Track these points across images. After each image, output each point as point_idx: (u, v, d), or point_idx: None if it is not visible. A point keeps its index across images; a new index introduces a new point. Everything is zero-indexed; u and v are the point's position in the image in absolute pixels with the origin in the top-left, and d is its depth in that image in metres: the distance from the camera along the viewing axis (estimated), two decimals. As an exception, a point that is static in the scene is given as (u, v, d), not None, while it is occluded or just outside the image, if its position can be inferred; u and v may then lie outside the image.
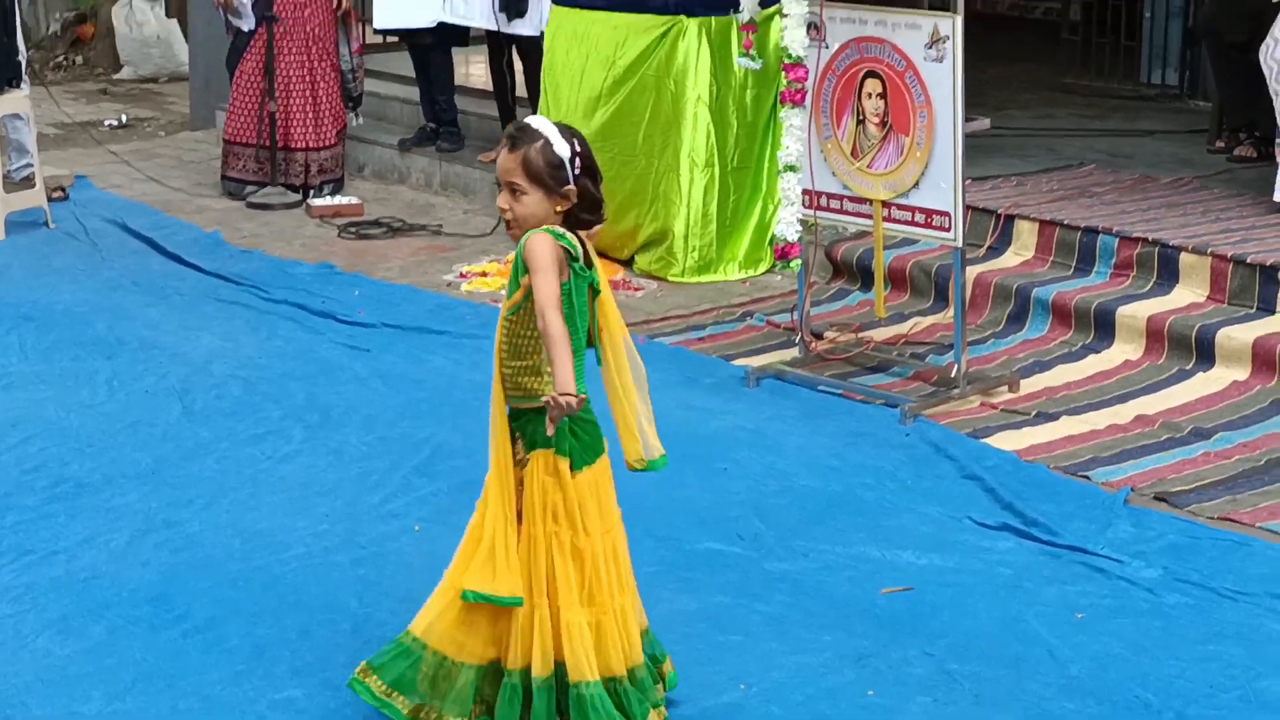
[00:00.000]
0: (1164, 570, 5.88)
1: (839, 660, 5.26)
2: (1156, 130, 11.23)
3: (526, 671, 4.67)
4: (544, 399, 4.53)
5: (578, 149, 4.62)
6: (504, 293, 4.71)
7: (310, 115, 11.09)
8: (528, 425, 4.68)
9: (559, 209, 4.60)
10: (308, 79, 11.04)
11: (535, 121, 4.67)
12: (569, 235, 4.59)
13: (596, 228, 4.72)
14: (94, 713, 4.90)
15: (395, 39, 11.85)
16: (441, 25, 10.91)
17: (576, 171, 4.60)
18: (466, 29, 10.97)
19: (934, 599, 5.69)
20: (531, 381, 4.65)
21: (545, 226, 4.58)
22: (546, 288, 4.50)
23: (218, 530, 6.14)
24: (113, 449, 6.90)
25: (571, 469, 4.68)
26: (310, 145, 11.12)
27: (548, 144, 4.58)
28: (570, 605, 4.66)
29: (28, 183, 10.60)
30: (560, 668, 4.67)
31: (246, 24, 11.05)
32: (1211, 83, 10.92)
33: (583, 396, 4.55)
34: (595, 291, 4.68)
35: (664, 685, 4.93)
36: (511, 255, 4.67)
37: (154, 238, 10.08)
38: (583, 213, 4.64)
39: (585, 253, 4.65)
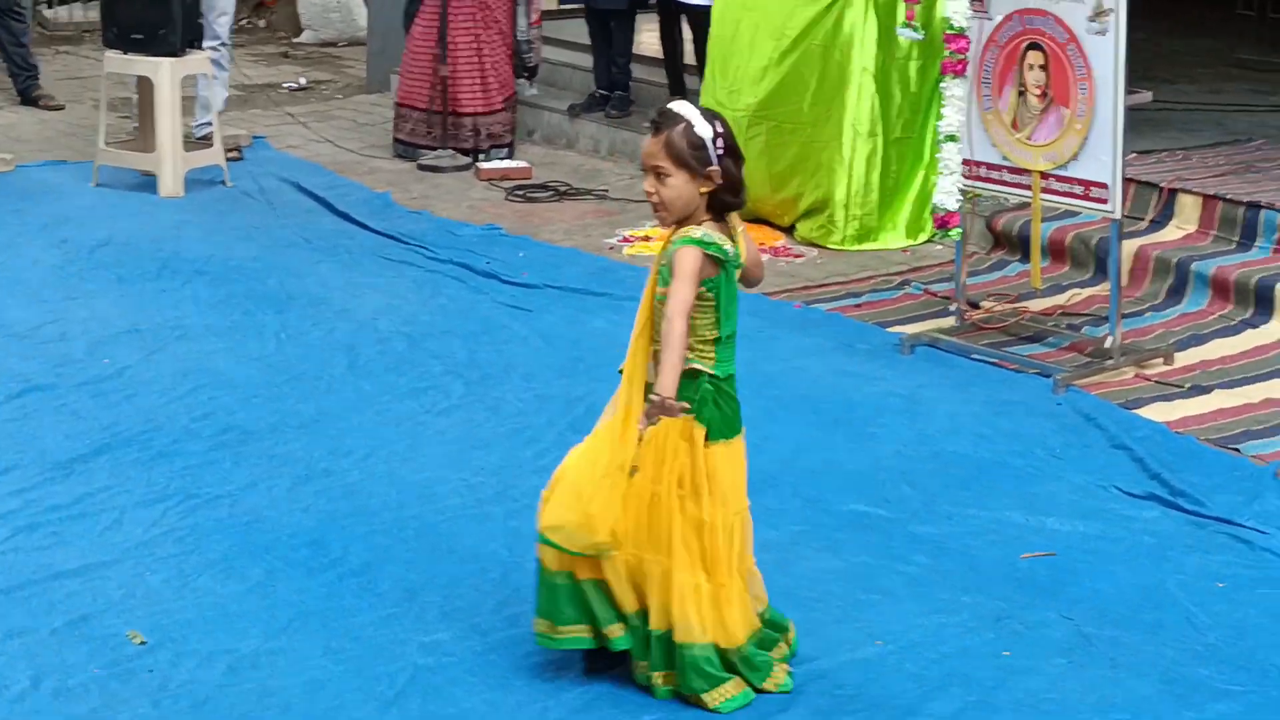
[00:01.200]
0: (1310, 544, 5.90)
1: (977, 621, 5.32)
2: (1330, 107, 11.12)
3: (645, 616, 4.80)
4: (652, 397, 4.65)
5: (719, 130, 4.68)
6: (656, 269, 4.80)
7: (477, 80, 11.26)
8: None
9: (703, 190, 4.68)
10: (474, 45, 11.21)
11: (677, 105, 4.75)
12: (718, 241, 4.69)
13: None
14: (251, 649, 5.07)
15: (570, 5, 11.99)
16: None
17: (719, 152, 4.66)
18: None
19: (1075, 564, 5.73)
20: (700, 347, 4.77)
21: (689, 235, 4.67)
22: (680, 295, 4.63)
23: (375, 480, 6.31)
24: (278, 399, 7.09)
25: (707, 439, 4.78)
26: (479, 111, 11.29)
27: (690, 126, 4.65)
28: (683, 567, 4.76)
29: (206, 141, 10.87)
30: (669, 628, 4.79)
31: (425, -7, 11.27)
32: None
33: (685, 405, 4.67)
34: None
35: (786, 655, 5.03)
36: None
37: (326, 197, 10.30)
38: (726, 194, 4.71)
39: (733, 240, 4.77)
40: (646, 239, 9.48)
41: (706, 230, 4.70)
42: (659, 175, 4.67)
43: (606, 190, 10.60)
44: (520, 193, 10.56)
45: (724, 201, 4.74)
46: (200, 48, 10.68)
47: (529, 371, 7.47)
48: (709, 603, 4.79)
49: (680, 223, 4.74)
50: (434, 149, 11.26)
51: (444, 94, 11.17)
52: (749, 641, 4.88)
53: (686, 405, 4.69)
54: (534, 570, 4.92)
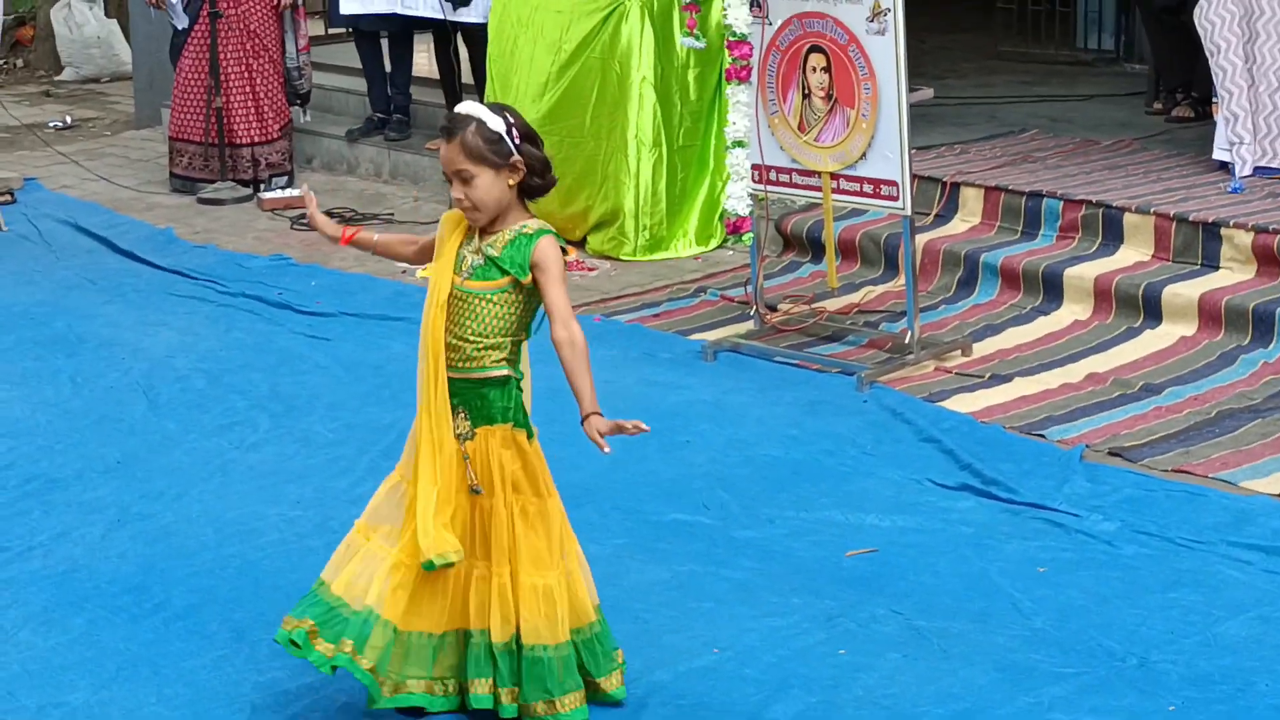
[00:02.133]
0: (1121, 523, 6.02)
1: (809, 622, 5.37)
2: (1095, 94, 11.38)
3: (486, 633, 4.78)
4: (589, 424, 4.65)
5: (511, 120, 4.67)
6: (480, 253, 4.73)
7: (252, 110, 11.16)
8: (474, 398, 4.75)
9: (512, 182, 4.66)
10: (246, 75, 11.11)
11: (463, 107, 4.72)
12: (555, 232, 4.72)
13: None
14: (81, 701, 4.97)
15: (341, 31, 11.90)
16: (398, 14, 10.98)
17: (516, 141, 4.65)
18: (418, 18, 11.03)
19: (899, 559, 5.81)
20: (491, 355, 4.72)
21: (540, 228, 4.68)
22: (566, 298, 4.68)
23: (191, 520, 6.22)
24: (81, 444, 6.96)
25: (528, 438, 4.79)
26: (255, 140, 11.19)
27: (481, 123, 4.63)
28: (529, 570, 4.75)
29: None
30: (517, 633, 4.77)
31: (180, 22, 11.12)
32: (1147, 46, 11.06)
33: (639, 424, 4.72)
34: None
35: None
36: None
37: (107, 236, 10.14)
38: (534, 178, 4.70)
39: None
40: (438, 260, 9.43)
41: (542, 223, 4.71)
42: (464, 179, 4.65)
43: (392, 214, 10.54)
44: (304, 221, 10.45)
45: (534, 186, 4.72)
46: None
47: (334, 401, 7.41)
48: (560, 594, 4.78)
49: (495, 220, 4.70)
50: (212, 181, 11.13)
51: (220, 126, 11.04)
52: (599, 620, 4.87)
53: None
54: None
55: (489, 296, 4.71)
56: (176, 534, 6.10)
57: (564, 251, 4.75)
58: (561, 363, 4.67)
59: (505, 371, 4.73)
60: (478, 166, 4.63)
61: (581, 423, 4.67)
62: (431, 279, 4.78)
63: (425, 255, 4.94)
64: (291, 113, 11.50)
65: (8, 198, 10.81)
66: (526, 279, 4.68)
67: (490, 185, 4.64)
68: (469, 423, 4.76)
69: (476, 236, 4.74)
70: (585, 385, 4.68)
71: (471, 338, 4.73)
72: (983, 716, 4.84)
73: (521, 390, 4.80)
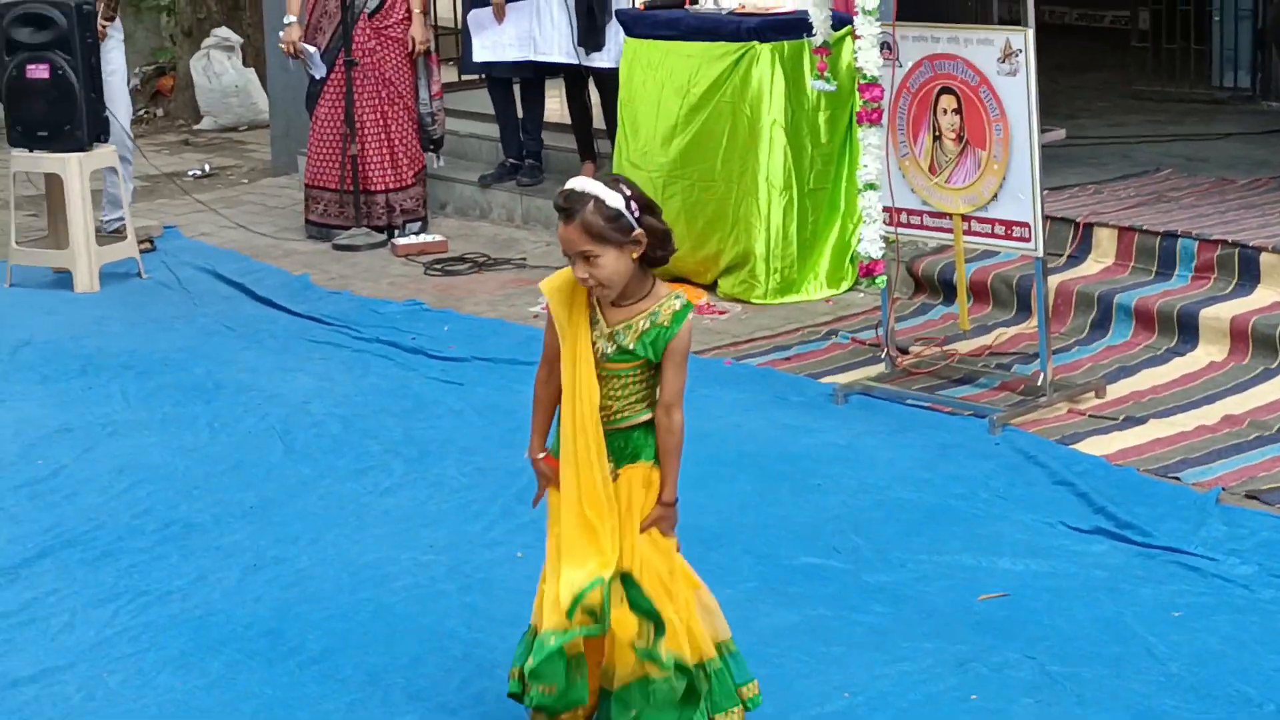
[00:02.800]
0: (1259, 566, 5.95)
1: (941, 666, 5.34)
2: (1231, 132, 11.29)
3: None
4: (665, 511, 4.75)
5: (628, 192, 4.59)
6: (612, 340, 4.70)
7: (386, 157, 11.28)
8: (619, 441, 4.74)
9: (635, 255, 4.60)
10: (381, 122, 11.23)
11: (578, 184, 4.61)
12: (689, 305, 4.70)
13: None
14: (218, 744, 5.05)
15: (474, 77, 12.01)
16: (531, 60, 11.08)
17: (636, 214, 4.57)
18: (551, 63, 11.12)
19: (1032, 603, 5.77)
20: (637, 408, 4.72)
21: (678, 308, 4.66)
22: (681, 381, 4.68)
23: (325, 564, 6.28)
24: (218, 489, 7.05)
25: None
26: (390, 187, 11.31)
27: (599, 201, 4.54)
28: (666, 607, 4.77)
29: (118, 235, 10.83)
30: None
31: (318, 71, 11.25)
32: (1284, 83, 10.98)
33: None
34: None
35: None
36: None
37: (244, 283, 10.27)
38: (657, 250, 4.64)
39: None
40: (570, 305, 9.48)
41: (672, 293, 4.71)
42: (587, 259, 4.56)
43: (524, 259, 10.62)
44: (438, 267, 10.56)
45: (656, 257, 4.66)
46: (106, 141, 10.62)
47: (467, 445, 7.45)
48: (684, 630, 4.77)
49: (623, 294, 4.66)
50: (347, 228, 11.26)
51: (355, 173, 11.17)
52: (720, 657, 4.85)
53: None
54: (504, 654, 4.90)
55: (630, 374, 4.71)
56: (311, 578, 6.15)
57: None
58: (657, 443, 4.71)
59: (650, 415, 4.75)
60: (600, 246, 4.54)
61: (657, 502, 4.73)
62: (570, 363, 4.71)
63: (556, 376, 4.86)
64: (426, 158, 11.61)
65: (148, 245, 10.96)
66: (660, 360, 4.69)
67: (615, 262, 4.57)
68: (614, 463, 4.76)
69: (603, 318, 4.69)
70: (672, 472, 4.74)
71: (617, 403, 4.73)
72: (1117, 763, 4.80)
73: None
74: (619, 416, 4.73)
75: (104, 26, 10.87)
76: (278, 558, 6.34)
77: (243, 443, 7.60)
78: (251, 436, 7.67)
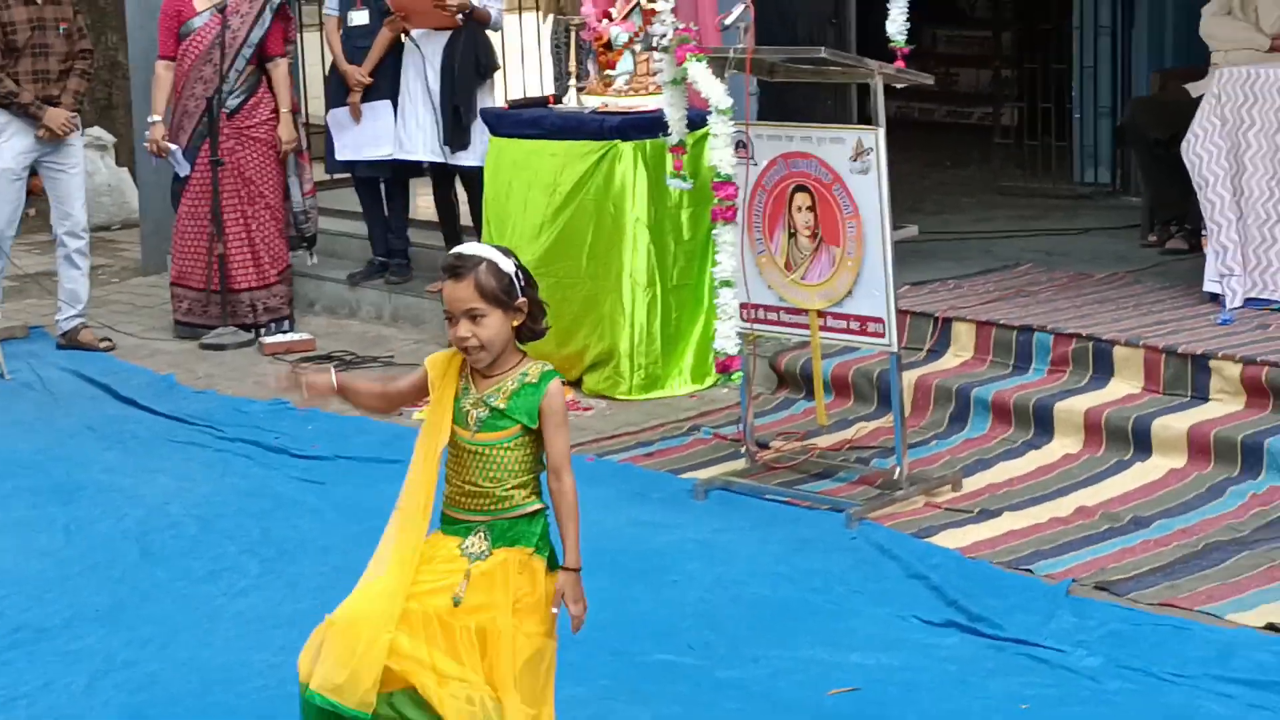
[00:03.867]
0: (1106, 658, 6.00)
1: (789, 763, 5.36)
2: (1092, 227, 11.45)
3: None
4: (565, 578, 4.77)
5: (516, 262, 4.74)
6: (483, 404, 4.74)
7: (249, 256, 11.27)
8: (503, 525, 4.76)
9: (515, 323, 4.72)
10: (241, 221, 11.23)
11: (469, 248, 4.75)
12: (556, 371, 4.79)
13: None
14: None
15: (343, 175, 12.03)
16: (395, 159, 11.13)
17: (522, 284, 4.72)
18: (416, 162, 11.16)
19: (881, 697, 5.80)
20: (520, 493, 4.75)
21: (549, 370, 4.76)
22: (566, 445, 4.77)
23: (176, 667, 6.22)
24: (71, 593, 6.97)
25: (548, 569, 4.81)
26: (253, 285, 11.29)
27: (492, 264, 4.67)
28: (521, 701, 4.74)
29: (72, 335, 11.03)
30: None
31: (181, 170, 11.28)
32: (1141, 179, 11.13)
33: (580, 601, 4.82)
34: None
35: None
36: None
37: (108, 383, 10.20)
38: (533, 323, 4.77)
39: None
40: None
41: (538, 362, 4.78)
42: (473, 317, 4.65)
43: (392, 356, 10.60)
44: (305, 365, 10.53)
45: (531, 330, 4.78)
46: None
47: (326, 544, 7.42)
48: None
49: (493, 364, 4.73)
50: (213, 327, 11.22)
51: (222, 272, 11.15)
52: None
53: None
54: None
55: (505, 445, 4.74)
56: (161, 682, 6.10)
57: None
58: (555, 509, 4.75)
59: (537, 505, 4.79)
60: (489, 306, 4.65)
61: (561, 569, 4.75)
62: (428, 432, 4.77)
63: (394, 404, 4.96)
64: (295, 257, 11.61)
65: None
66: (536, 425, 4.73)
67: (499, 325, 4.67)
68: (488, 543, 4.76)
69: (473, 386, 4.75)
70: (571, 537, 4.76)
71: (495, 484, 4.74)
72: None
73: (547, 521, 4.82)
74: (501, 504, 4.74)
75: None
76: (128, 661, 6.28)
77: (99, 545, 7.54)
78: (108, 539, 7.61)
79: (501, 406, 4.72)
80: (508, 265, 4.69)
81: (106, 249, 14.88)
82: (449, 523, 4.83)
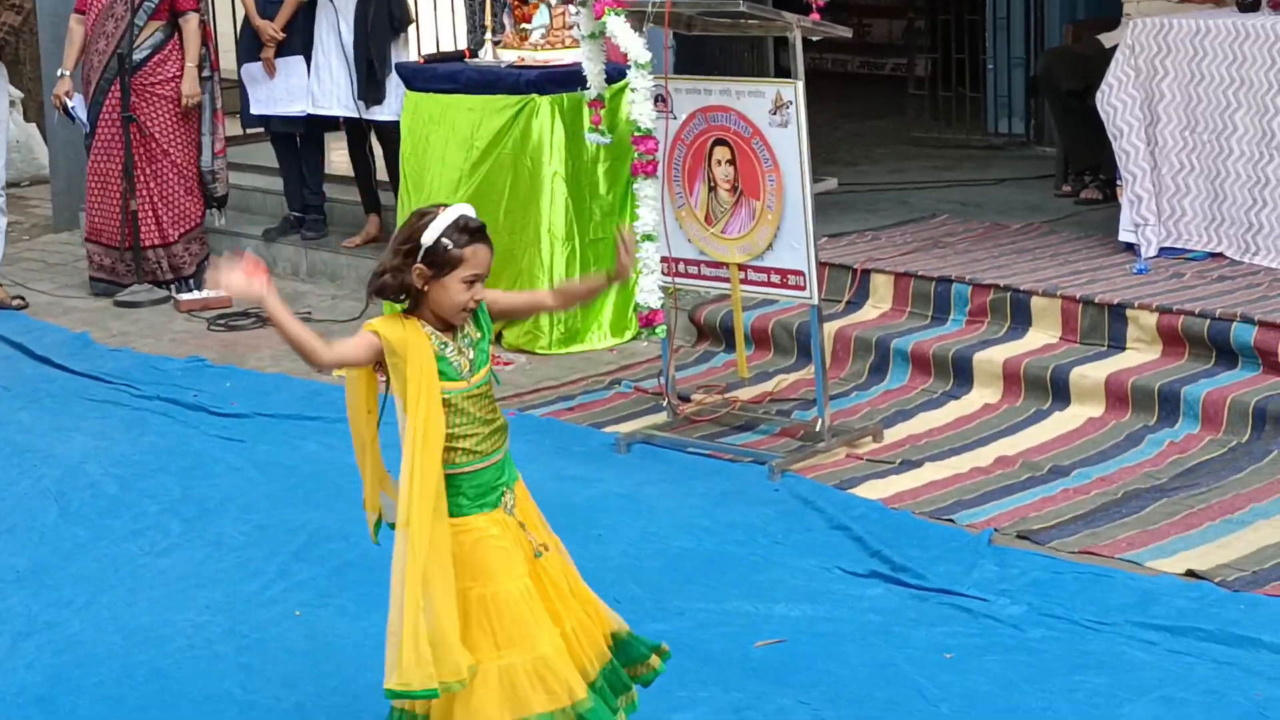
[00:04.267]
0: (1028, 606, 6.05)
1: (716, 715, 5.37)
2: (1006, 178, 11.51)
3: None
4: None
5: None
6: (468, 346, 4.76)
7: (150, 215, 11.17)
8: (506, 464, 4.85)
9: None
10: (142, 178, 11.12)
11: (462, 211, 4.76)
12: None
13: None
14: (-16, 816, 4.95)
15: (258, 130, 11.94)
16: (310, 114, 11.06)
17: None
18: (330, 116, 11.09)
19: (807, 649, 5.82)
20: (502, 436, 4.83)
21: None
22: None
23: (99, 628, 6.18)
24: (-10, 554, 6.94)
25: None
26: (155, 243, 11.20)
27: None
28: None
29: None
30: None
31: (82, 126, 11.20)
32: (1055, 129, 11.19)
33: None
34: None
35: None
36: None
37: (22, 342, 10.11)
38: None
39: None
40: (354, 359, 9.44)
41: None
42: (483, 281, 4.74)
43: (310, 312, 10.54)
44: (222, 322, 10.47)
45: None
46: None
47: (246, 503, 7.39)
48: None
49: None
50: (126, 284, 11.13)
51: (135, 228, 11.05)
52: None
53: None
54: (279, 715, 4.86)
55: (489, 382, 4.80)
56: (84, 643, 6.06)
57: None
58: (573, 285, 5.36)
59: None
60: None
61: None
62: (423, 410, 4.66)
63: (334, 360, 4.85)
64: (209, 215, 11.52)
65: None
66: (494, 327, 4.88)
67: None
68: (509, 482, 4.86)
69: (446, 338, 4.71)
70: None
71: (499, 417, 4.82)
72: (888, 806, 4.85)
73: None
74: (503, 436, 4.82)
75: None
76: (50, 622, 6.24)
77: (17, 505, 7.48)
78: (25, 499, 7.55)
79: (477, 336, 4.77)
80: None
81: (16, 206, 14.70)
82: (477, 489, 4.79)
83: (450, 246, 4.65)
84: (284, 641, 6.00)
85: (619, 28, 7.64)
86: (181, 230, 11.28)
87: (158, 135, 11.14)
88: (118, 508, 7.39)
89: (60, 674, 5.82)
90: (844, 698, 5.46)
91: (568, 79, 9.32)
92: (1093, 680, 5.52)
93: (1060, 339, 8.28)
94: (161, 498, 7.48)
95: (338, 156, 11.95)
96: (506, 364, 9.36)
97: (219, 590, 6.49)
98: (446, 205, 4.78)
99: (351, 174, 11.38)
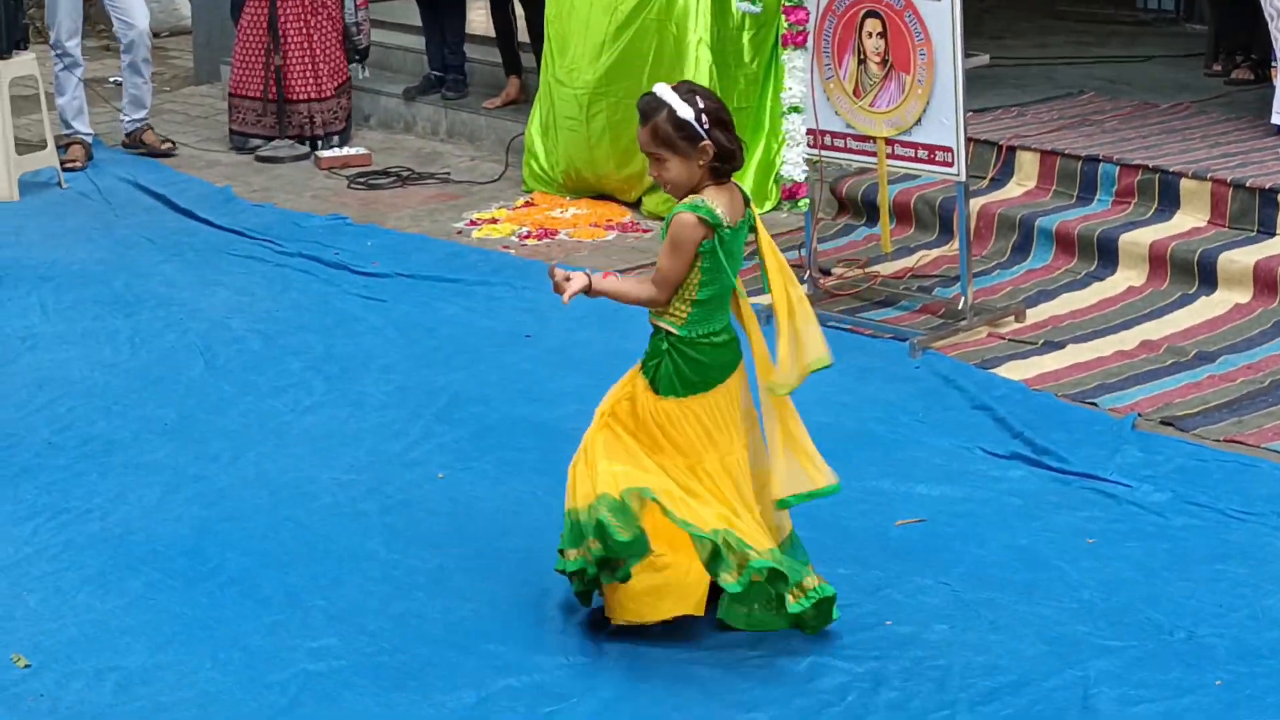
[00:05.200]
0: (1172, 493, 6.02)
1: (856, 592, 5.38)
2: (1154, 55, 11.32)
3: None
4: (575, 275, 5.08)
5: (701, 105, 4.94)
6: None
7: (309, 68, 11.18)
8: (652, 331, 5.16)
9: (702, 164, 4.95)
10: (304, 31, 11.13)
11: (659, 90, 4.99)
12: (711, 206, 4.95)
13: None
14: (137, 665, 5.04)
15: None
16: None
17: (706, 127, 4.93)
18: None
19: (947, 529, 5.83)
20: (671, 307, 5.09)
21: (688, 202, 4.96)
22: (665, 266, 5.00)
23: (245, 483, 6.27)
24: (138, 406, 7.03)
25: (658, 393, 5.14)
26: (310, 97, 11.22)
27: (671, 110, 4.92)
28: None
29: (134, 138, 11.13)
30: None
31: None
32: (1207, 6, 10.99)
33: (570, 277, 5.06)
34: (754, 230, 5.16)
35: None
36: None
37: (166, 194, 10.20)
38: (723, 163, 4.98)
39: (743, 200, 5.10)
40: (493, 221, 9.48)
41: (704, 197, 4.97)
42: (657, 160, 4.97)
43: (449, 173, 10.57)
44: (362, 180, 10.52)
45: (720, 169, 5.00)
46: (25, 49, 10.51)
47: (388, 363, 7.45)
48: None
49: (687, 197, 5.01)
50: (270, 139, 11.18)
51: (279, 83, 11.08)
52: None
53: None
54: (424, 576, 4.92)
55: None
56: (231, 497, 6.15)
57: (704, 223, 4.95)
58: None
59: (665, 326, 5.09)
60: (668, 152, 4.95)
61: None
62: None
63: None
64: (351, 70, 11.53)
65: (75, 164, 10.82)
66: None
67: (679, 168, 4.96)
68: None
69: None
70: (612, 287, 5.18)
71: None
72: (1030, 690, 4.85)
73: (671, 346, 5.08)
74: (659, 313, 5.13)
75: None
76: (197, 476, 6.34)
77: (163, 358, 7.58)
78: (172, 352, 7.65)
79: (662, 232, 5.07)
80: (685, 111, 4.91)
81: (157, 57, 14.66)
82: None
83: None
84: (427, 503, 6.07)
85: (774, -105, 7.55)
86: (336, 83, 11.29)
87: None
88: (262, 364, 7.47)
89: (208, 527, 5.92)
90: (984, 579, 5.46)
91: (716, -54, 9.25)
92: (1235, 570, 5.50)
93: (1209, 223, 8.17)
94: (305, 355, 7.55)
95: (479, 16, 11.92)
96: (645, 232, 9.35)
97: (362, 449, 6.56)
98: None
99: (493, 34, 11.33)
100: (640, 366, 5.16)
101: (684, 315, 5.05)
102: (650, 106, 4.96)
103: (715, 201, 4.96)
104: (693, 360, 5.08)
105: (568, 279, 5.03)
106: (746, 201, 5.12)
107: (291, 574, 5.57)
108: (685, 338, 5.06)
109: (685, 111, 4.90)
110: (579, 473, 5.09)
